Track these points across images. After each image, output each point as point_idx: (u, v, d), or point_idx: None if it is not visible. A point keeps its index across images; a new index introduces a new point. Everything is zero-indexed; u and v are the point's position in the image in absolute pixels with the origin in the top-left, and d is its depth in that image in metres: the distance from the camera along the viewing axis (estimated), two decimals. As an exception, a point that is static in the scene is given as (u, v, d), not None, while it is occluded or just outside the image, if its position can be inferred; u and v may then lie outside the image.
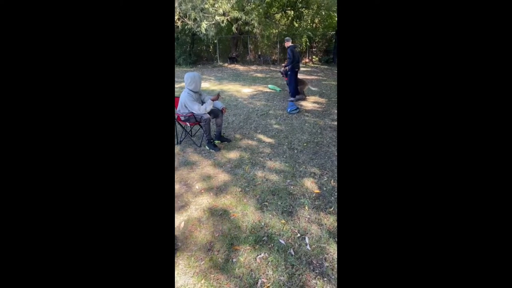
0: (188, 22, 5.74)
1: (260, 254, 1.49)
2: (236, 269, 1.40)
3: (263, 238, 1.62)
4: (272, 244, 1.57)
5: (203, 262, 1.45)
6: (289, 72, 4.79)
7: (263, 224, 1.75)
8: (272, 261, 1.45)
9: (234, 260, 1.46)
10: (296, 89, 4.94)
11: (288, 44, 4.80)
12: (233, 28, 6.55)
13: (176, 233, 1.68)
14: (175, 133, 3.18)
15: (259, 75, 8.96)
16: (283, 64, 5.41)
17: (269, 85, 6.66)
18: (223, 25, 5.65)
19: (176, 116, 3.06)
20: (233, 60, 12.20)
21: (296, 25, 13.14)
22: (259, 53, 13.33)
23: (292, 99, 4.85)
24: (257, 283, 1.32)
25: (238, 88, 6.70)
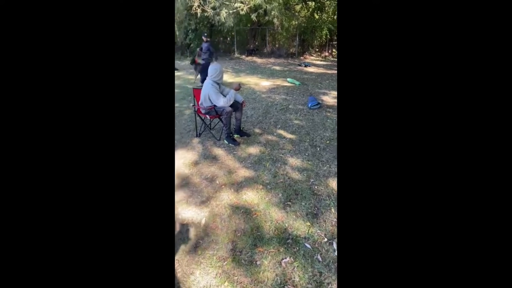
0: (207, 10, 5.64)
1: (285, 258, 1.42)
2: (261, 272, 1.33)
3: (288, 241, 1.54)
4: (297, 248, 1.49)
5: (225, 262, 1.40)
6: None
7: (286, 225, 1.67)
8: (298, 266, 1.37)
9: (258, 262, 1.39)
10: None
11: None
12: (253, 17, 6.35)
13: (198, 229, 1.63)
14: (195, 126, 3.14)
15: (277, 68, 8.77)
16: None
17: (288, 79, 6.48)
18: (242, 13, 5.50)
19: (196, 109, 3.01)
20: (250, 52, 12.02)
21: (317, 17, 12.72)
22: (277, 45, 13.06)
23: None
24: (283, 289, 1.25)
25: (256, 81, 6.58)
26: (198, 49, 6.24)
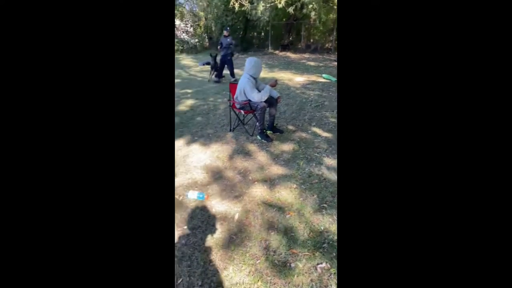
0: (245, 3, 5.61)
1: (321, 263, 1.35)
2: (295, 276, 1.28)
3: (324, 245, 1.47)
4: (334, 254, 1.40)
5: (258, 261, 1.37)
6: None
7: (322, 228, 1.59)
8: (335, 273, 1.29)
9: (292, 265, 1.34)
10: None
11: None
12: (290, 10, 6.15)
13: (231, 225, 1.63)
14: (229, 120, 3.16)
15: (311, 63, 8.50)
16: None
17: (324, 75, 6.24)
18: (280, 6, 5.36)
19: (231, 103, 3.02)
20: (284, 48, 11.82)
21: (357, 9, 12.01)
22: (312, 40, 12.67)
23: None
24: (319, 296, 1.19)
25: (290, 76, 6.44)
26: (219, 43, 5.82)
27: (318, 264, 1.35)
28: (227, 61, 5.75)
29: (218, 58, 5.77)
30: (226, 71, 6.03)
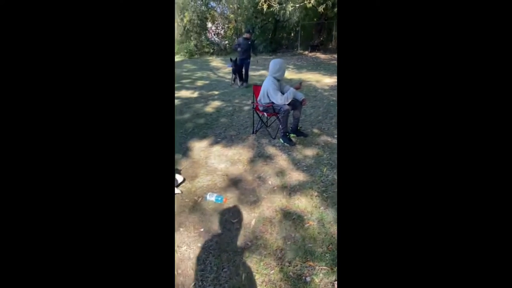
0: (273, 4, 5.55)
1: (339, 280, 1.26)
2: (310, 291, 1.21)
3: (343, 260, 1.37)
4: (354, 271, 1.30)
5: (273, 271, 1.32)
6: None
7: (343, 241, 1.49)
8: (354, 293, 1.19)
9: (307, 278, 1.27)
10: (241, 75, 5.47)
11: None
12: (320, 9, 5.95)
13: (247, 231, 1.60)
14: (252, 122, 3.14)
15: (342, 64, 8.18)
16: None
17: (354, 76, 5.96)
18: (309, 5, 5.21)
19: (254, 105, 3.00)
20: (314, 48, 11.55)
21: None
22: (344, 40, 12.19)
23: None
24: (334, 317, 1.10)
25: (318, 78, 6.26)
26: (235, 46, 5.37)
27: (335, 280, 1.26)
28: (246, 64, 5.40)
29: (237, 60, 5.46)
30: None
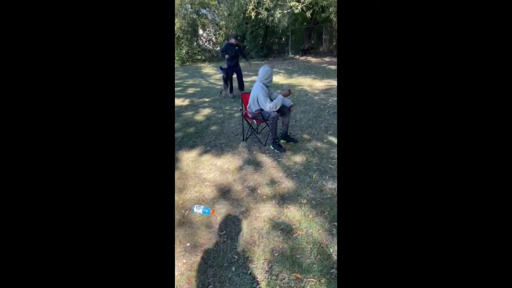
0: (261, 11, 5.57)
1: (327, 293, 1.23)
2: (297, 306, 1.18)
3: (331, 271, 1.34)
4: (342, 282, 1.28)
5: (259, 286, 1.29)
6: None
7: (331, 250, 1.47)
8: (342, 305, 1.16)
9: (294, 292, 1.24)
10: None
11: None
12: (308, 14, 6.00)
13: (234, 243, 1.56)
14: (242, 130, 3.13)
15: (332, 67, 8.26)
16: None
17: (344, 79, 6.00)
18: (297, 11, 5.23)
19: (243, 113, 2.99)
20: (305, 52, 11.66)
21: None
22: (334, 44, 12.34)
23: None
24: (321, 332, 1.07)
25: (310, 82, 6.29)
26: (221, 52, 4.87)
27: (323, 293, 1.23)
28: (237, 71, 4.99)
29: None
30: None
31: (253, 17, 5.41)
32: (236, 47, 4.82)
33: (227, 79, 5.07)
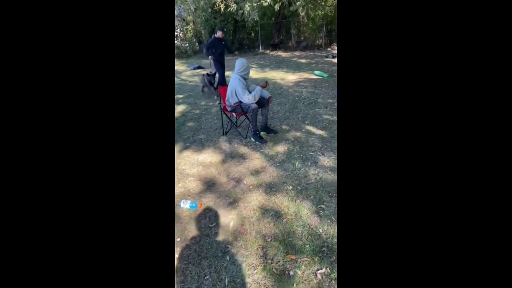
0: (230, 4, 5.49)
1: (321, 269, 1.29)
2: (294, 284, 1.22)
3: (323, 249, 1.41)
4: (334, 258, 1.35)
5: (256, 271, 1.31)
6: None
7: (321, 231, 1.54)
8: (335, 279, 1.23)
9: (291, 272, 1.28)
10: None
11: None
12: (276, 7, 6.03)
13: (226, 233, 1.56)
14: (222, 123, 3.09)
15: (303, 61, 8.47)
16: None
17: (316, 71, 6.20)
18: (266, 4, 5.24)
19: (222, 106, 2.96)
20: (275, 47, 11.78)
21: (345, 4, 11.98)
22: (302, 38, 12.65)
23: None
24: (320, 305, 1.13)
25: (282, 75, 6.39)
26: (206, 50, 4.39)
27: (317, 270, 1.29)
28: (222, 66, 4.56)
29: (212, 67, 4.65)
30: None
31: (222, 10, 5.32)
32: (223, 42, 4.34)
33: (210, 83, 4.59)
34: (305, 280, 1.24)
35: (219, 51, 4.34)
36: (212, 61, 4.41)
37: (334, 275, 1.25)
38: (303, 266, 1.31)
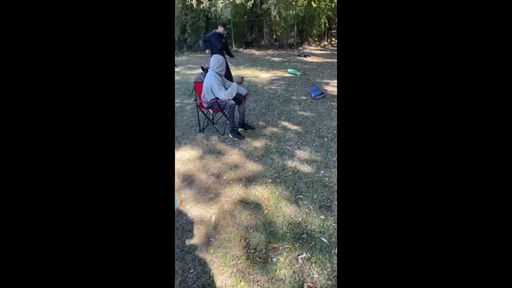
0: (203, 0, 5.41)
1: (302, 254, 1.36)
2: (277, 270, 1.28)
3: (303, 236, 1.48)
4: (313, 243, 1.43)
5: (240, 261, 1.34)
6: None
7: (300, 219, 1.61)
8: (316, 262, 1.31)
9: (273, 259, 1.34)
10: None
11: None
12: (248, 5, 6.06)
13: (208, 227, 1.57)
14: (198, 121, 3.06)
15: (276, 59, 8.62)
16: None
17: (289, 70, 6.36)
18: (238, 2, 5.25)
19: (198, 103, 2.93)
20: (248, 45, 11.82)
21: (314, 5, 12.43)
22: (274, 36, 12.84)
23: None
24: (302, 287, 1.19)
25: (256, 73, 6.46)
26: (203, 42, 4.18)
27: (298, 255, 1.36)
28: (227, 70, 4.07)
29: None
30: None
31: (194, 6, 5.22)
32: (223, 40, 4.04)
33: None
34: (287, 265, 1.30)
35: (218, 47, 4.02)
36: (210, 55, 4.05)
37: (314, 258, 1.33)
38: (285, 253, 1.37)
